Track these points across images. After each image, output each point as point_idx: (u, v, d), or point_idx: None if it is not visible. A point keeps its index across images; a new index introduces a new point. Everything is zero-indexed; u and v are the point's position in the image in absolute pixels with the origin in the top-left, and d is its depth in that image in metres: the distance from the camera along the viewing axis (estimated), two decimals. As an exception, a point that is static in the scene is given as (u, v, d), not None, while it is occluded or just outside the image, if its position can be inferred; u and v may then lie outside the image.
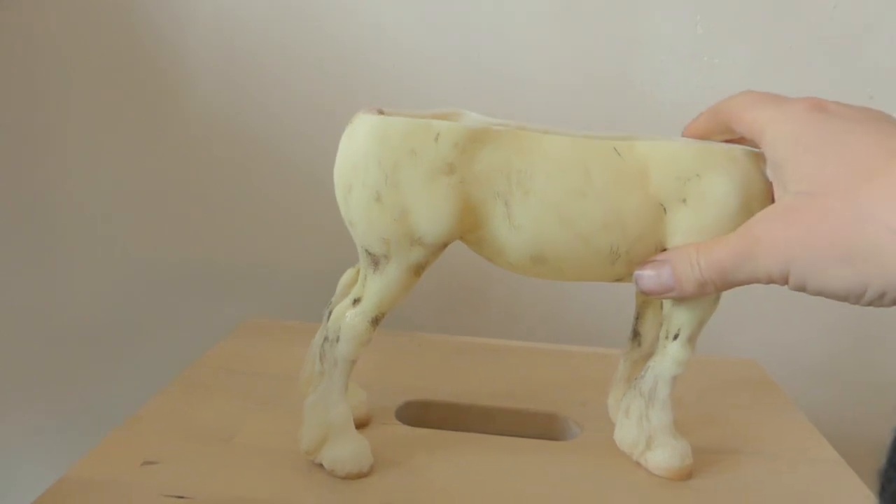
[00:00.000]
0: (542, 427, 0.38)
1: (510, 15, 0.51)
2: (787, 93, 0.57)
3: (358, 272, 0.33)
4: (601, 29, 0.51)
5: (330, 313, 0.33)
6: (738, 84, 0.52)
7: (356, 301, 0.30)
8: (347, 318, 0.30)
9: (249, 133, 0.55)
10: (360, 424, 0.35)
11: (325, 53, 0.53)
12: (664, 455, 0.32)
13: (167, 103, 0.54)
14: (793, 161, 0.27)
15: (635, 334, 0.35)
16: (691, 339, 0.32)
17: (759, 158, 0.30)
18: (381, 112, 0.30)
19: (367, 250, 0.30)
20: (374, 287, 0.30)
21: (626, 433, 0.33)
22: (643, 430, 0.33)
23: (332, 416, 0.31)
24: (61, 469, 0.31)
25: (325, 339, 0.31)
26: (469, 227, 0.30)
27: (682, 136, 0.33)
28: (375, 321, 0.30)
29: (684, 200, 0.30)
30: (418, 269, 0.30)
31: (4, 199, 0.57)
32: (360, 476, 0.31)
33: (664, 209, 0.30)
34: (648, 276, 0.30)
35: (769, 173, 0.30)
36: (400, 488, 0.31)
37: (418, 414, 0.38)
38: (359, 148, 0.29)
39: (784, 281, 0.27)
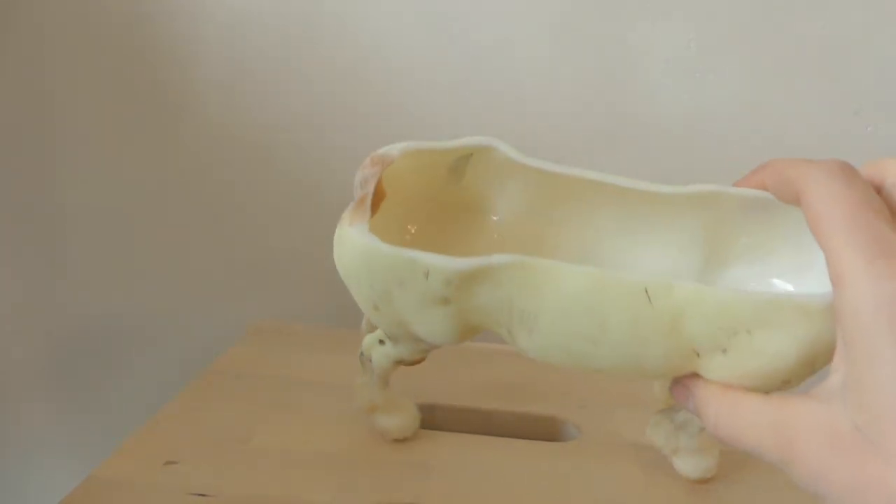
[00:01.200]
0: (542, 429, 0.40)
1: (509, 33, 0.53)
2: (775, 106, 0.59)
3: None
4: (598, 46, 0.53)
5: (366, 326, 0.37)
6: (730, 98, 0.54)
7: (381, 342, 0.33)
8: (374, 356, 0.34)
9: (254, 141, 0.56)
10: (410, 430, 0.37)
11: (327, 67, 0.55)
12: (685, 466, 0.34)
13: (173, 109, 0.56)
14: (864, 368, 0.19)
15: None
16: None
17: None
18: (371, 208, 0.28)
19: None
20: (392, 350, 0.33)
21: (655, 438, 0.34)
22: (669, 443, 0.34)
23: (376, 397, 0.36)
24: (75, 469, 0.33)
25: (362, 353, 0.35)
26: (476, 332, 0.29)
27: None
28: (400, 362, 0.33)
29: (724, 351, 0.24)
30: (431, 348, 0.31)
31: (12, 205, 0.59)
32: (404, 439, 0.36)
33: (696, 354, 0.25)
34: (677, 393, 0.26)
35: (838, 331, 0.21)
36: (408, 489, 0.33)
37: (424, 416, 0.40)
38: (348, 266, 0.28)
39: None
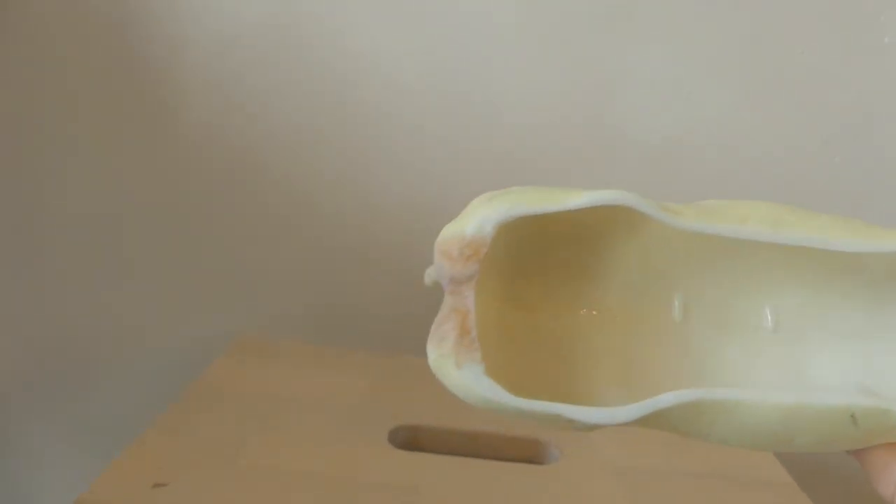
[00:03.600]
0: (525, 451, 0.41)
1: (497, 51, 0.54)
2: (752, 131, 0.61)
3: None
4: (584, 68, 0.55)
5: None
6: (712, 121, 0.56)
7: None
8: None
9: (243, 152, 0.57)
10: None
11: (317, 79, 0.55)
12: None
13: (161, 119, 0.56)
14: None
15: None
16: None
17: None
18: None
19: None
20: None
21: None
22: None
23: None
24: (59, 492, 0.33)
25: None
26: None
27: None
28: None
29: None
30: None
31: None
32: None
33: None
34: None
35: None
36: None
37: (409, 438, 0.41)
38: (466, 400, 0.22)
39: None
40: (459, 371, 0.21)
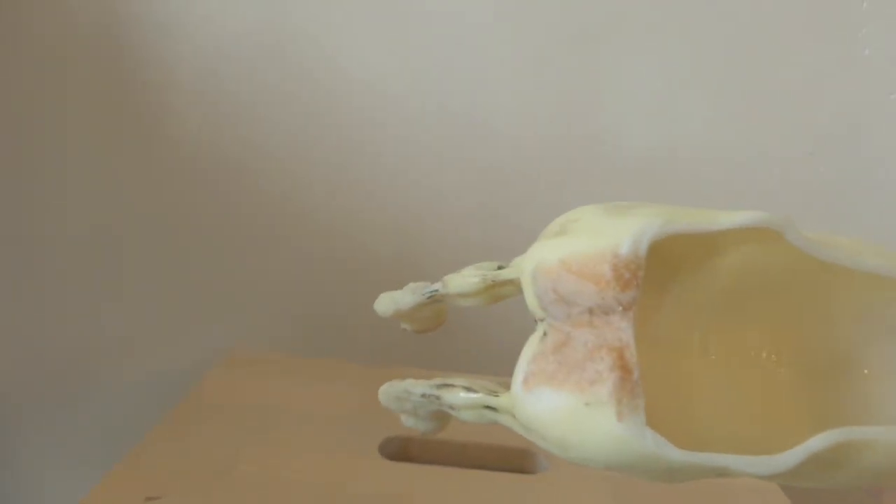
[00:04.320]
0: (515, 461, 0.41)
1: (484, 66, 0.55)
2: (737, 145, 0.62)
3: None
4: (569, 82, 0.55)
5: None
6: (698, 133, 0.56)
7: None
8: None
9: (233, 166, 0.57)
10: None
11: (310, 95, 0.56)
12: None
13: (152, 132, 0.57)
14: None
15: None
16: None
17: None
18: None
19: None
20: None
21: None
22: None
23: None
24: (54, 501, 0.33)
25: None
26: None
27: None
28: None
29: None
30: None
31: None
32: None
33: None
34: None
35: None
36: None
37: (399, 449, 0.41)
38: (595, 459, 0.19)
39: None
40: (621, 423, 0.17)
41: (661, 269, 0.19)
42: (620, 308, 0.17)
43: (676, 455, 0.17)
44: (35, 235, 0.58)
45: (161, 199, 0.58)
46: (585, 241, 0.18)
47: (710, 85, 0.55)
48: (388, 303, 0.27)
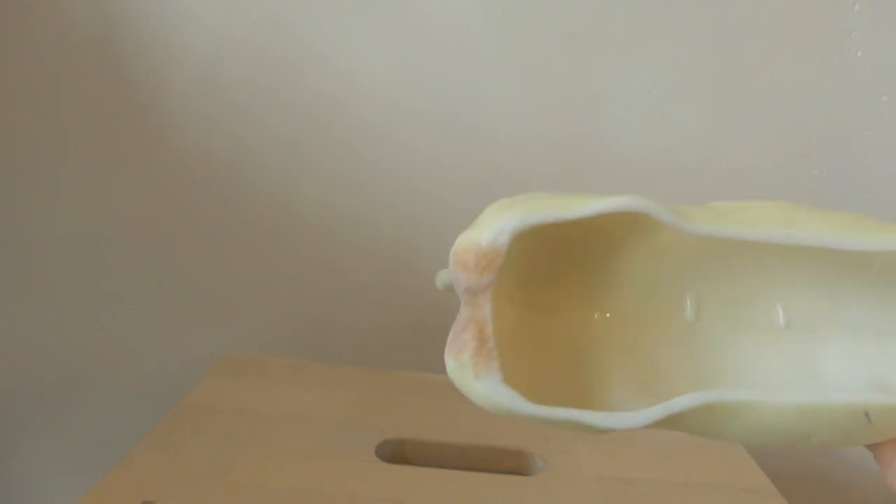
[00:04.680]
0: (510, 463, 0.41)
1: (482, 74, 0.55)
2: (730, 149, 0.62)
3: None
4: (565, 91, 0.56)
5: None
6: (687, 140, 0.57)
7: None
8: None
9: (230, 172, 0.57)
10: None
11: (305, 100, 0.56)
12: None
13: (147, 138, 0.57)
14: None
15: None
16: None
17: None
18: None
19: None
20: None
21: None
22: None
23: None
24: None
25: None
26: None
27: None
28: None
29: None
30: None
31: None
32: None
33: None
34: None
35: None
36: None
37: (396, 452, 0.41)
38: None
39: None
40: (478, 381, 0.21)
41: (612, 248, 0.23)
42: (482, 290, 0.21)
43: (529, 409, 0.21)
44: (29, 241, 0.58)
45: (156, 204, 0.58)
46: (468, 234, 0.21)
47: (703, 87, 0.55)
48: (444, 276, 0.26)
